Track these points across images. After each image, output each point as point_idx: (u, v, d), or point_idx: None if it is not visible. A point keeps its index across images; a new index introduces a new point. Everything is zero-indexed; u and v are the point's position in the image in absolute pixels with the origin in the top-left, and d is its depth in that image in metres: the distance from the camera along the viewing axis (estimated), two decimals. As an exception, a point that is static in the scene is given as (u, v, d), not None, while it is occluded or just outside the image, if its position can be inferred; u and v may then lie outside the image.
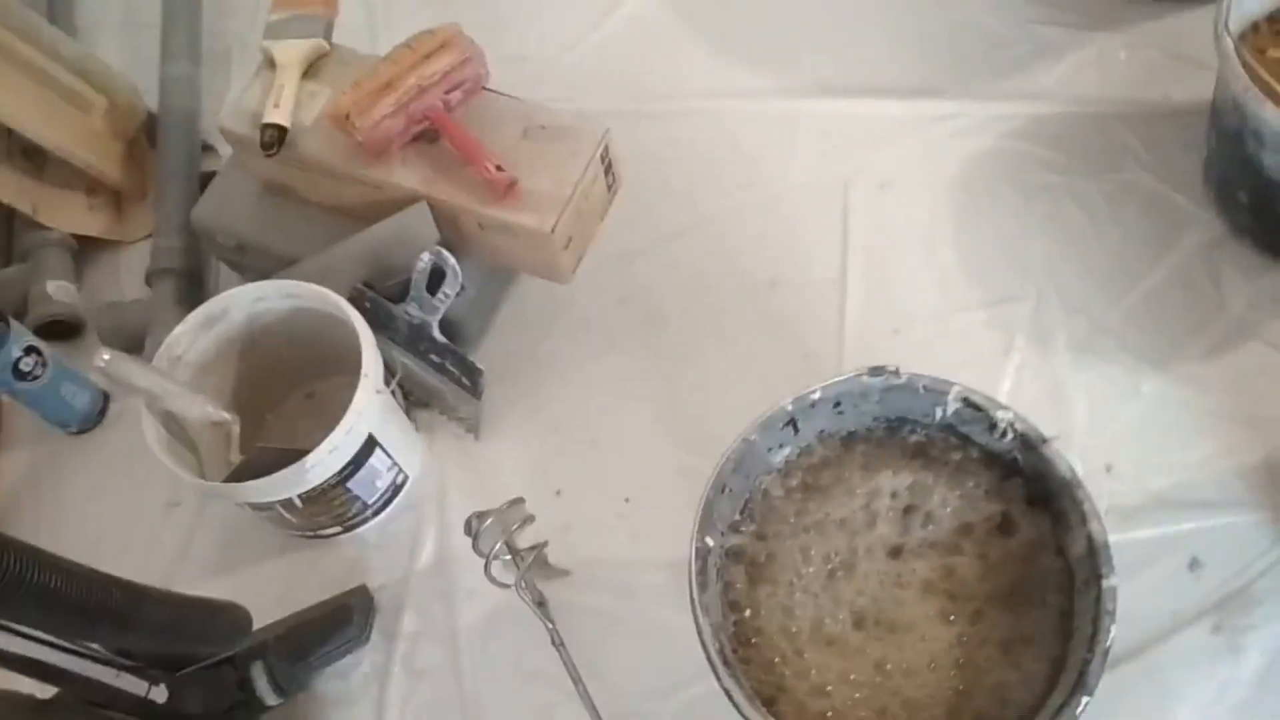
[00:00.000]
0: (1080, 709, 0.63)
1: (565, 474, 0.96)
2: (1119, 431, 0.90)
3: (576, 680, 0.83)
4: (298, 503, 0.87)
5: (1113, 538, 0.84)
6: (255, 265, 1.03)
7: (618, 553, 0.92)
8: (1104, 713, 0.77)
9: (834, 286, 1.01)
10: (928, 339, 0.97)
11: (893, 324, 0.99)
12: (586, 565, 0.91)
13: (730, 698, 0.67)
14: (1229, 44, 0.84)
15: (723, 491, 0.74)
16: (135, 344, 1.04)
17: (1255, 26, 0.93)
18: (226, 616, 0.76)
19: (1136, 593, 0.82)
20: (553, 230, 0.87)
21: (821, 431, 0.79)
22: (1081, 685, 0.63)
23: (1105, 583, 0.66)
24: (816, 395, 0.75)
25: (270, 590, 0.93)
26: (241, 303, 0.92)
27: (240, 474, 0.85)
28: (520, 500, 0.87)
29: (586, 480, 0.96)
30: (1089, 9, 1.12)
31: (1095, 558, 0.67)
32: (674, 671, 0.83)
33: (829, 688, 0.72)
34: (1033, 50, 1.11)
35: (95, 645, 0.70)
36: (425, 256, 0.90)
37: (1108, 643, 0.64)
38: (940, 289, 1.00)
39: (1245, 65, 0.83)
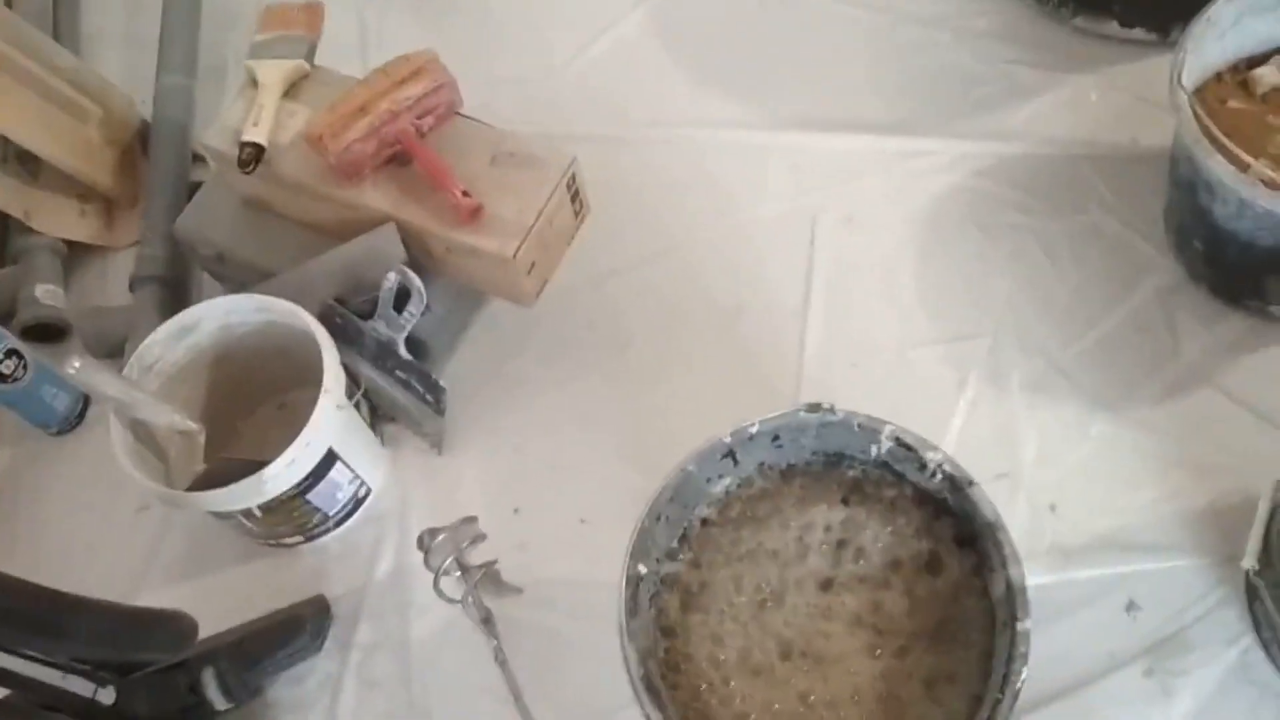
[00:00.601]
0: (988, 749, 0.64)
1: (524, 493, 0.99)
2: (1066, 472, 0.91)
3: (517, 697, 0.85)
4: (257, 512, 0.89)
5: (1052, 577, 0.87)
6: (235, 275, 1.06)
7: (571, 573, 0.93)
8: (1034, 749, 0.80)
9: (796, 317, 1.03)
10: (884, 372, 0.99)
11: (851, 356, 1.00)
12: (540, 584, 0.93)
13: (651, 724, 0.68)
14: (1181, 95, 0.86)
15: (659, 520, 0.76)
16: (117, 349, 1.07)
17: (1218, 76, 0.94)
18: (169, 627, 0.79)
19: (1073, 632, 0.84)
20: (515, 255, 0.89)
21: (762, 464, 0.81)
22: (991, 726, 0.65)
23: (1020, 625, 0.67)
24: (755, 429, 0.77)
25: (232, 595, 0.96)
26: (214, 315, 0.95)
27: (201, 483, 0.88)
28: (473, 518, 0.89)
29: (545, 500, 0.98)
30: (1066, 50, 1.13)
31: (1013, 601, 0.68)
32: (617, 693, 0.85)
33: (752, 717, 0.73)
34: (1006, 89, 1.12)
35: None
36: (392, 276, 0.93)
37: (1018, 685, 0.65)
38: (900, 323, 1.02)
39: (1196, 116, 0.85)
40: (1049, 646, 0.81)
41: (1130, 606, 0.85)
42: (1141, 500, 0.89)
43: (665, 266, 1.08)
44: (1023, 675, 0.66)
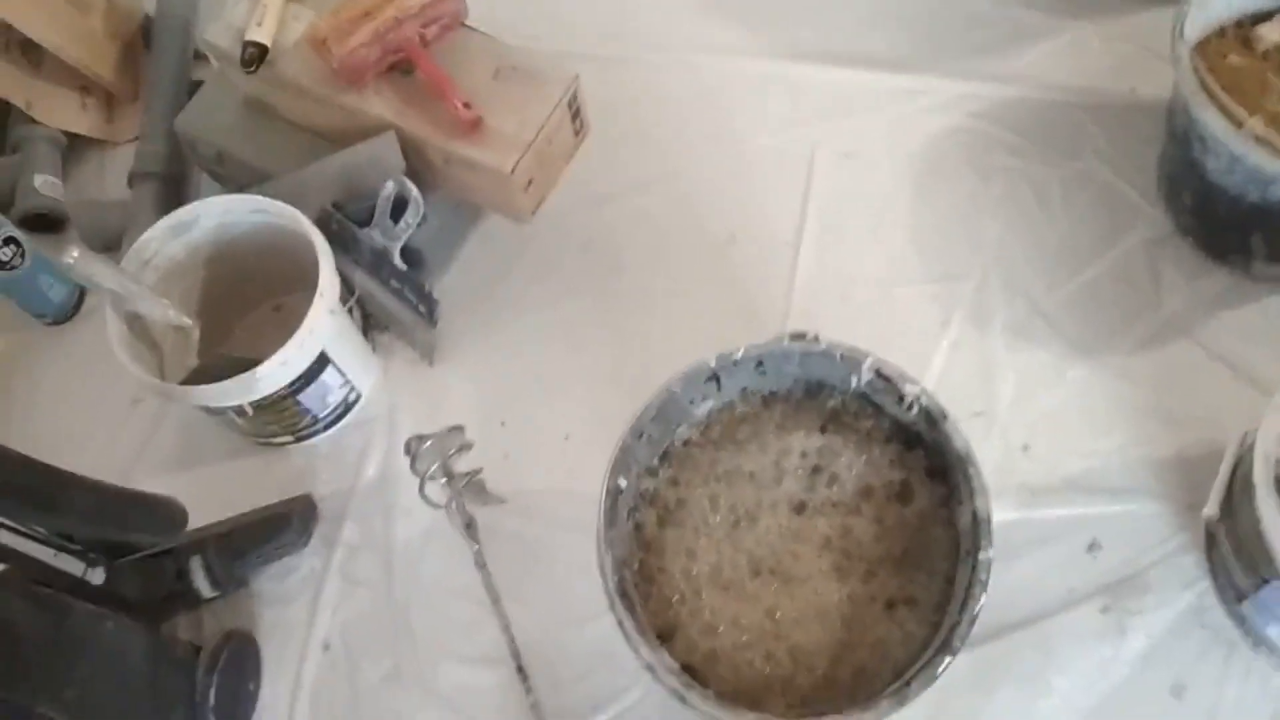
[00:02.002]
0: (942, 668, 0.67)
1: (512, 406, 1.00)
2: (1041, 414, 0.93)
3: (495, 600, 0.88)
4: (248, 410, 0.91)
5: (1020, 514, 0.89)
6: (234, 176, 1.06)
7: (553, 485, 0.96)
8: (988, 673, 0.84)
9: (789, 248, 1.04)
10: (871, 307, 1.00)
11: (840, 290, 1.02)
12: (523, 495, 0.95)
13: (621, 627, 0.71)
14: (1182, 48, 0.86)
15: (640, 437, 0.78)
16: (114, 242, 1.08)
17: (1221, 31, 0.94)
18: (159, 510, 0.81)
19: (1036, 567, 0.87)
20: (513, 170, 0.90)
21: (745, 389, 0.83)
22: (946, 646, 0.67)
23: (982, 555, 0.69)
24: (739, 355, 0.78)
25: (221, 490, 0.98)
26: (211, 213, 0.96)
27: (194, 378, 0.89)
28: (460, 428, 0.91)
29: (531, 414, 1.00)
30: (1073, -5, 1.14)
31: (977, 531, 0.71)
32: (593, 601, 0.88)
33: (720, 629, 0.76)
34: (1010, 32, 1.12)
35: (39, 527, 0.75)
36: (389, 185, 0.93)
37: (975, 610, 0.68)
38: (889, 260, 1.03)
39: (1194, 70, 0.85)
40: (1012, 580, 0.85)
41: (1093, 546, 0.88)
42: (1111, 445, 0.91)
43: (662, 192, 1.09)
44: (981, 601, 0.68)
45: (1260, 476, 0.71)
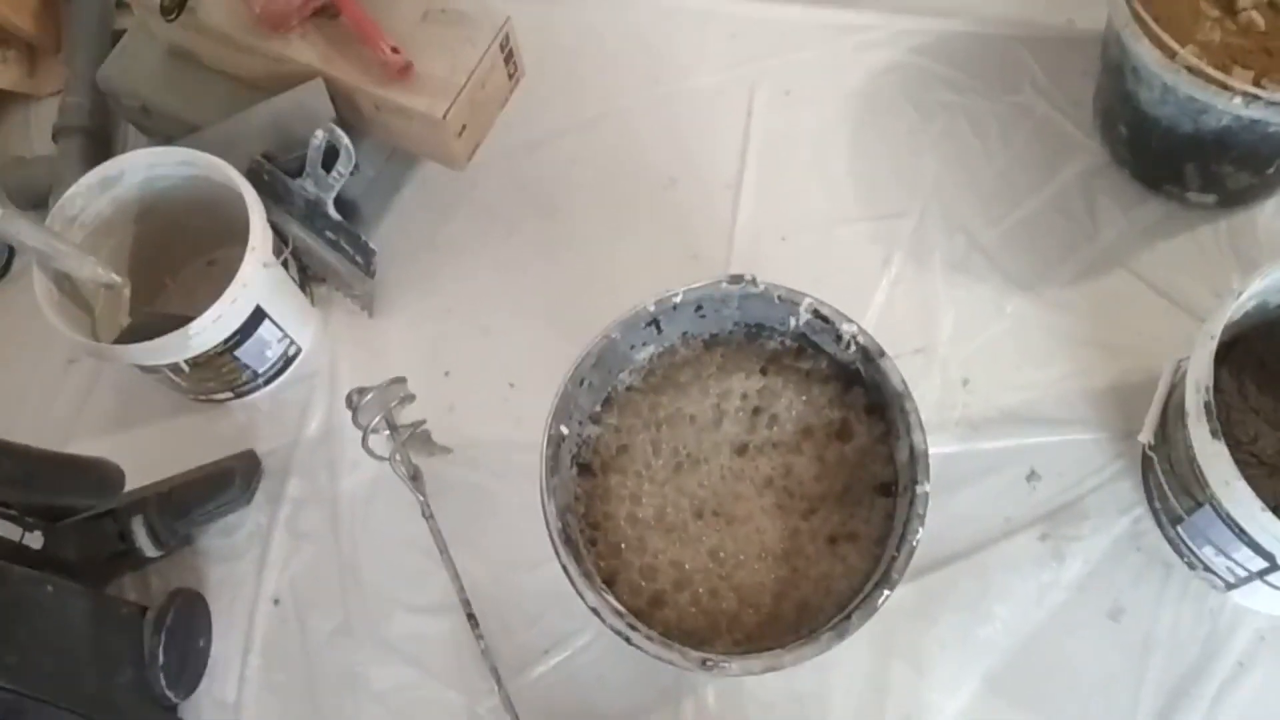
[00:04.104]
0: (882, 600, 0.68)
1: (455, 356, 1.00)
2: (980, 348, 0.94)
3: (443, 549, 0.88)
4: (185, 368, 0.89)
5: (960, 447, 0.91)
6: (160, 128, 1.04)
7: (498, 434, 0.95)
8: (931, 603, 0.85)
9: (729, 189, 1.04)
10: (813, 248, 1.00)
11: (781, 230, 1.02)
12: (468, 445, 0.95)
13: (566, 572, 0.71)
14: (1114, -23, 0.86)
15: (581, 384, 0.78)
16: (41, 200, 1.05)
17: (1155, -40, 0.94)
18: (92, 473, 0.80)
19: (975, 499, 0.89)
20: (445, 116, 0.89)
21: (685, 333, 0.82)
22: (885, 579, 0.68)
23: (919, 488, 0.70)
24: (678, 298, 0.78)
25: (162, 449, 0.97)
26: (137, 167, 0.93)
27: (126, 337, 0.88)
28: (402, 379, 0.90)
29: (475, 364, 0.99)
30: (1009, -72, 1.13)
31: (915, 465, 0.71)
32: (541, 548, 0.88)
33: (665, 571, 0.77)
34: (948, -35, 1.12)
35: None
36: (319, 134, 0.91)
37: (914, 542, 0.69)
38: (830, 199, 1.03)
39: (1128, 1, 0.85)
40: (953, 511, 0.86)
41: (1031, 476, 0.89)
42: (1049, 376, 0.93)
43: (600, 134, 1.08)
44: (918, 534, 0.69)
45: (1191, 404, 0.72)
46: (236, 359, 0.92)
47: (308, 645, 0.90)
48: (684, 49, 1.11)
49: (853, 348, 0.77)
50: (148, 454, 0.95)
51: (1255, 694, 0.80)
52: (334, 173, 0.93)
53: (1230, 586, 0.80)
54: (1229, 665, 0.81)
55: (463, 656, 0.87)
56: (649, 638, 0.70)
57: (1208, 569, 0.81)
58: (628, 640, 0.70)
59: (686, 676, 0.85)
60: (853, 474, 0.78)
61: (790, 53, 1.10)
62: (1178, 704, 0.81)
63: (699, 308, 0.80)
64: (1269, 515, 0.68)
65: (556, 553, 0.72)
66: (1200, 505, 0.75)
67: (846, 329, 0.76)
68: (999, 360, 0.94)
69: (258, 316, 0.90)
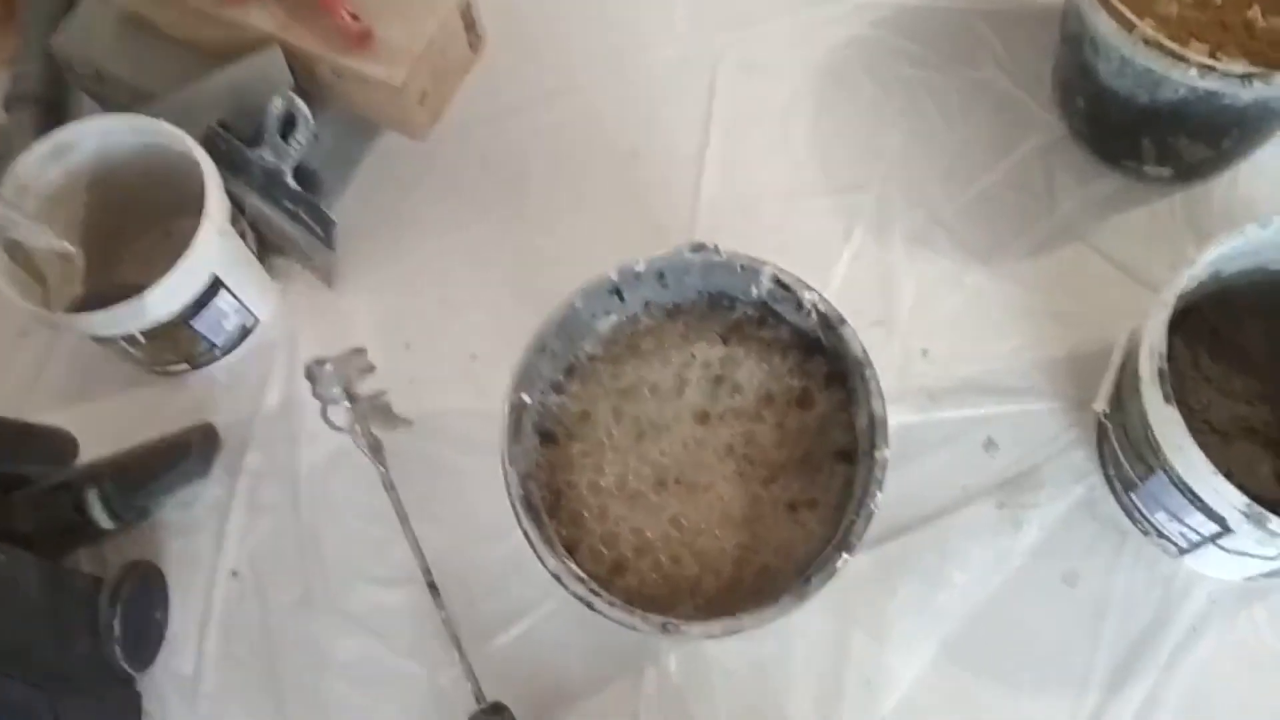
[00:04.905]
0: (841, 563, 0.68)
1: (416, 328, 0.99)
2: (939, 320, 0.95)
3: (404, 521, 0.88)
4: (141, 338, 0.88)
5: (919, 417, 0.91)
6: (115, 97, 1.02)
7: (461, 406, 0.95)
8: (890, 571, 0.86)
9: (692, 162, 1.04)
10: (775, 221, 1.01)
11: (744, 204, 1.02)
12: (430, 417, 0.95)
13: (527, 537, 0.71)
14: (1073, -49, 0.87)
15: (543, 352, 0.78)
16: (-6, 170, 1.03)
17: (1113, -66, 0.95)
18: (43, 441, 0.79)
19: (933, 468, 0.89)
20: (403, 83, 0.88)
21: (648, 302, 0.82)
22: (844, 544, 0.69)
23: (878, 453, 0.71)
24: (641, 267, 0.78)
25: (118, 422, 0.96)
26: (90, 135, 0.91)
27: (80, 306, 0.86)
28: (361, 349, 0.90)
29: (436, 336, 0.99)
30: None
31: (874, 431, 0.72)
32: (503, 519, 0.88)
33: (627, 539, 0.77)
34: (909, -60, 1.12)
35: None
36: (278, 101, 0.90)
37: (872, 507, 0.69)
38: (792, 173, 1.03)
39: (1085, -28, 0.86)
40: (911, 481, 0.87)
41: (989, 445, 0.90)
42: (1007, 347, 0.94)
43: (563, 106, 1.07)
44: (877, 499, 0.70)
45: (1146, 370, 0.73)
46: (193, 329, 0.91)
47: (268, 618, 0.90)
48: (648, 21, 1.11)
49: (814, 315, 0.77)
50: (103, 427, 0.94)
51: (1208, 657, 0.82)
52: (292, 141, 0.92)
53: (1183, 552, 0.82)
54: (1182, 629, 0.83)
55: (425, 627, 0.87)
56: (610, 603, 0.70)
57: (1161, 535, 0.82)
58: (589, 606, 0.70)
59: (649, 645, 0.85)
60: (813, 441, 0.78)
61: (753, 26, 1.09)
62: (1132, 668, 0.82)
63: (661, 276, 0.80)
64: (1221, 479, 0.69)
65: (518, 518, 0.72)
66: (1154, 471, 0.76)
67: (808, 297, 0.76)
68: (958, 332, 0.94)
69: (214, 286, 0.89)
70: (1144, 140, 0.93)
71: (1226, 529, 0.73)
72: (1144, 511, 0.82)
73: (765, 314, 0.81)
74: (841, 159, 1.03)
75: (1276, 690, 0.81)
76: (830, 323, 0.76)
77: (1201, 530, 0.76)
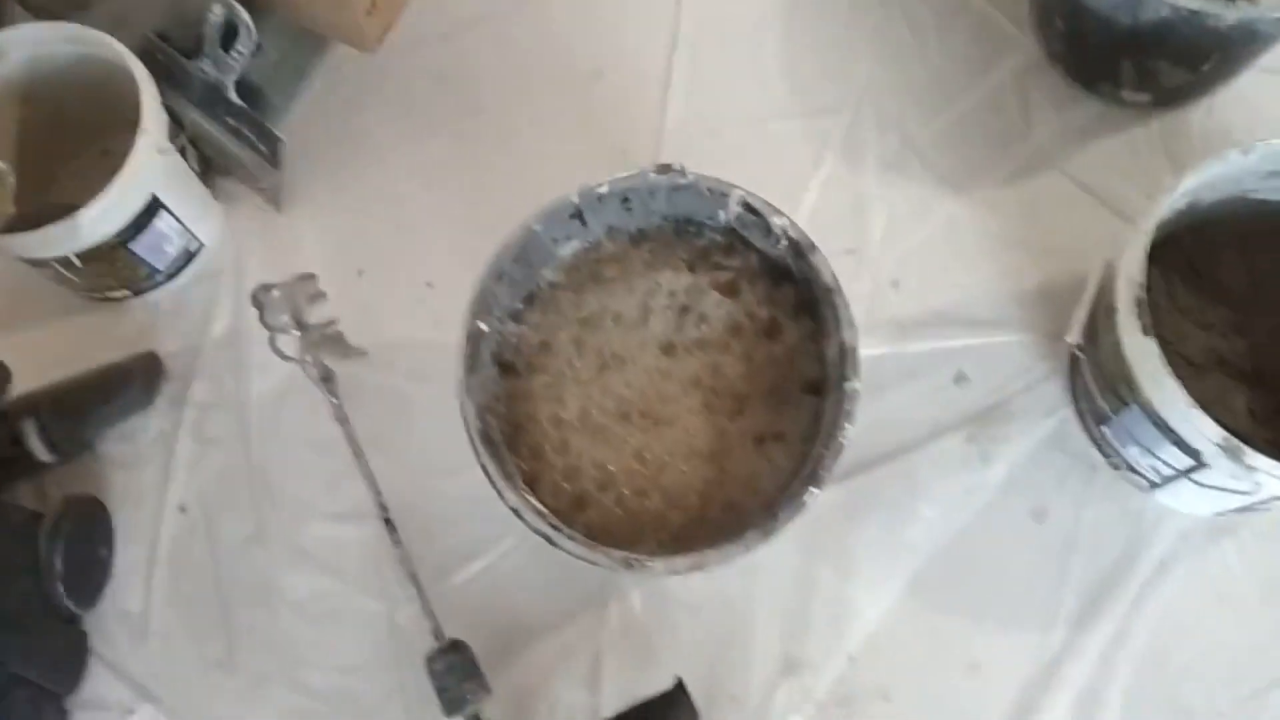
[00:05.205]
0: (809, 498, 0.67)
1: (369, 254, 0.95)
2: (910, 249, 0.93)
3: (358, 454, 0.85)
4: (76, 262, 0.84)
5: (888, 349, 0.89)
6: (46, 4, 0.96)
7: (416, 335, 0.92)
8: (857, 506, 0.85)
9: (658, 83, 1.00)
10: (743, 144, 0.97)
11: (711, 126, 0.98)
12: (384, 346, 0.91)
13: (486, 472, 0.69)
14: None
15: (500, 279, 0.74)
16: (-85, 84, 0.97)
17: None
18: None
19: (903, 401, 0.87)
20: (353, -7, 0.83)
21: (611, 227, 0.79)
22: (813, 478, 0.67)
23: (848, 386, 0.69)
24: (604, 189, 0.75)
25: (55, 350, 0.91)
26: (19, 44, 0.86)
27: (11, 227, 0.82)
28: (311, 275, 0.86)
29: (390, 262, 0.95)
30: None
31: (844, 362, 0.70)
32: (462, 453, 0.85)
33: (590, 473, 0.75)
34: None
35: None
36: (217, 9, 0.85)
37: (841, 440, 0.67)
38: (761, 95, 0.99)
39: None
40: (880, 414, 0.85)
41: (959, 378, 0.88)
42: (979, 278, 0.91)
43: (521, 21, 1.03)
44: (847, 432, 0.68)
45: (1123, 300, 0.72)
46: (132, 253, 0.86)
47: (217, 554, 0.87)
48: (611, -68, 1.05)
49: (783, 242, 0.74)
50: (40, 355, 0.89)
51: (1177, 592, 0.81)
52: (234, 52, 0.87)
53: (1154, 486, 0.81)
54: (1151, 564, 0.82)
55: (382, 563, 0.85)
56: (572, 539, 0.68)
57: (1132, 469, 0.81)
58: (550, 541, 0.68)
59: (612, 581, 0.83)
60: (781, 373, 0.76)
61: (722, -61, 1.05)
62: (1100, 603, 0.81)
63: (625, 200, 0.76)
64: (1198, 412, 0.67)
65: (476, 453, 0.70)
66: (1127, 405, 0.75)
67: (777, 222, 0.73)
68: (929, 262, 0.92)
69: (153, 207, 0.85)
70: (1123, 63, 0.91)
71: (1201, 463, 0.72)
72: (1115, 446, 0.81)
73: (733, 240, 0.78)
74: (813, 81, 0.99)
75: (1245, 626, 0.81)
76: (800, 249, 0.73)
77: (1175, 464, 0.75)
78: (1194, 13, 0.79)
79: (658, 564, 0.66)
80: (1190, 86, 0.93)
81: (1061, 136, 0.95)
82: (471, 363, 0.72)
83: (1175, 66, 0.88)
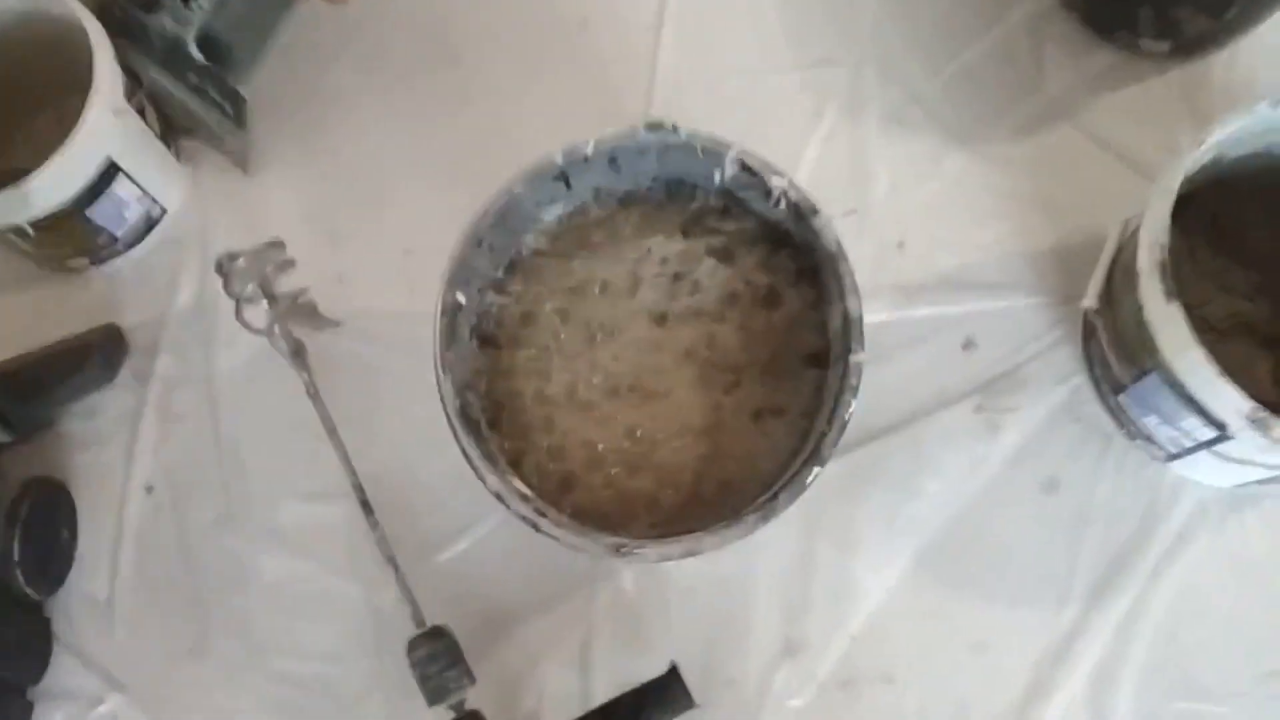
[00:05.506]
0: (811, 478, 0.63)
1: (343, 219, 0.90)
2: (916, 208, 0.88)
3: (331, 431, 0.80)
4: (30, 230, 0.79)
5: (894, 314, 0.85)
6: (-7, -43, 0.90)
7: (393, 305, 0.87)
8: (860, 480, 0.81)
9: (649, 32, 0.94)
10: (739, 97, 0.92)
11: (706, 79, 0.93)
12: (359, 317, 0.87)
13: (466, 455, 0.65)
14: None
15: (480, 246, 0.70)
16: None
17: None
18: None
19: (909, 368, 0.83)
20: (319, -62, 0.77)
21: (598, 190, 0.74)
22: (815, 456, 0.63)
23: (853, 358, 0.64)
24: (589, 149, 0.70)
25: (10, 324, 0.87)
26: (-39, 2, 0.81)
27: (-43, 194, 0.76)
28: (279, 242, 0.81)
29: (366, 228, 0.90)
30: None
31: (848, 333, 0.65)
32: (442, 429, 0.81)
33: (578, 452, 0.71)
34: None
35: None
36: (174, -42, 0.80)
37: (845, 416, 0.63)
38: (759, 45, 0.94)
39: None
40: (884, 383, 0.80)
41: (967, 344, 0.84)
42: (988, 238, 0.87)
43: (504, -32, 0.97)
44: (851, 407, 0.63)
45: (1145, 264, 0.67)
46: (90, 220, 0.81)
47: (186, 536, 0.83)
48: None
49: (783, 204, 0.69)
50: (-2, 328, 0.85)
51: (1194, 567, 0.78)
52: (194, 5, 0.82)
53: (1172, 457, 0.77)
54: (1169, 537, 0.78)
55: (360, 545, 0.80)
56: (558, 523, 0.64)
57: (1149, 440, 0.77)
58: (535, 527, 0.64)
59: (603, 562, 0.80)
60: (780, 344, 0.72)
61: (716, -121, 0.99)
62: (1115, 578, 0.78)
63: (613, 160, 0.71)
64: (1226, 382, 0.63)
65: (455, 434, 0.65)
66: (1146, 373, 0.71)
67: (776, 183, 0.68)
68: (936, 221, 0.87)
69: (110, 171, 0.80)
70: (1142, 9, 0.85)
71: (1226, 435, 0.68)
72: (1132, 415, 0.77)
73: (729, 203, 0.74)
74: (813, 30, 0.94)
75: (1264, 602, 0.77)
76: (801, 212, 0.68)
77: (1197, 435, 0.71)
78: (1221, -48, 0.74)
79: (650, 550, 0.62)
80: (1212, 34, 0.87)
81: (1076, 88, 0.90)
82: (449, 337, 0.67)
83: (1198, 13, 0.83)
